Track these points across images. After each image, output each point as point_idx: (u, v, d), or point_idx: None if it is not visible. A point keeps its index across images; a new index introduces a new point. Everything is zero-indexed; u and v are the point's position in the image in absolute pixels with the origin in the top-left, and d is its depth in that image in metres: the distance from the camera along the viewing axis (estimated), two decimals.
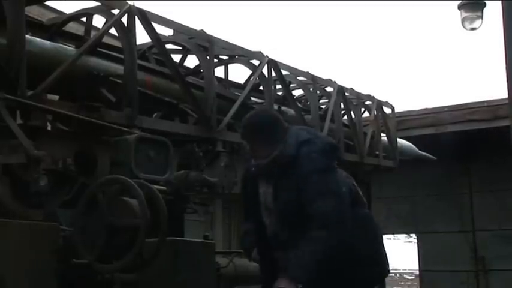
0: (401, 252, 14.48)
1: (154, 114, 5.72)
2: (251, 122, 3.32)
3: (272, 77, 6.64)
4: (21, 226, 3.60)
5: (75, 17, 5.41)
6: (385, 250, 3.41)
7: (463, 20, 7.40)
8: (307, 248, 3.05)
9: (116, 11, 4.96)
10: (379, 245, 3.39)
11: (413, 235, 14.29)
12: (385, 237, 14.09)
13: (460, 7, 7.39)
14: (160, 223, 3.75)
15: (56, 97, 4.86)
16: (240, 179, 4.07)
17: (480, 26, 7.42)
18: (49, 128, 4.39)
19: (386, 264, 3.40)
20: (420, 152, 10.18)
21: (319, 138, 3.29)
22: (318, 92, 7.87)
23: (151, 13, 5.24)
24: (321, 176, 3.13)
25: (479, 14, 7.34)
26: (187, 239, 4.86)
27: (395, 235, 14.41)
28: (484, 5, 7.31)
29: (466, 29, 7.44)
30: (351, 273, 3.18)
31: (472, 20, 7.39)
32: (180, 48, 6.34)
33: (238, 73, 7.11)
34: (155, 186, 4.04)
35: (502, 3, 3.47)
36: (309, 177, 3.11)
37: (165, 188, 4.45)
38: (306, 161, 3.15)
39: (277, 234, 3.25)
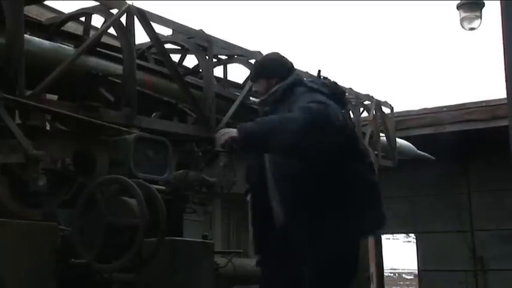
0: (400, 252, 14.49)
1: (153, 114, 5.72)
2: (253, 64, 3.52)
3: None
4: (20, 226, 3.60)
5: (74, 16, 5.41)
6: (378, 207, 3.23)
7: (462, 20, 7.41)
8: (275, 116, 3.05)
9: (114, 11, 4.95)
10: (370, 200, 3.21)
11: (412, 235, 14.29)
12: (384, 237, 14.17)
13: (458, 7, 7.40)
14: (159, 223, 3.75)
15: (55, 97, 4.86)
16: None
17: (479, 26, 7.43)
18: (48, 127, 4.40)
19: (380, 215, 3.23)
20: (419, 151, 10.18)
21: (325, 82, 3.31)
22: None
23: (150, 13, 5.24)
24: (310, 95, 3.14)
25: (478, 14, 7.35)
26: (186, 239, 4.86)
27: (394, 235, 14.41)
28: (483, 5, 7.32)
29: (465, 29, 7.45)
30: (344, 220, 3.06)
31: (471, 20, 7.40)
32: (179, 48, 6.34)
33: (237, 73, 7.11)
34: (154, 186, 4.05)
35: (501, 3, 3.47)
36: (298, 100, 3.13)
37: (164, 187, 4.45)
38: (299, 95, 3.20)
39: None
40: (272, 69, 3.38)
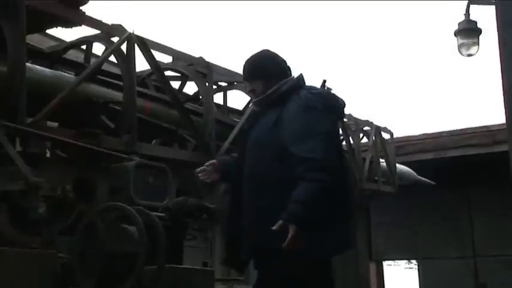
0: (402, 279, 14.38)
1: (154, 141, 5.73)
2: (248, 60, 3.29)
3: None
4: (19, 254, 3.59)
5: (75, 44, 5.45)
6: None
7: (460, 47, 7.45)
8: (306, 188, 2.83)
9: (115, 39, 5.00)
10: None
11: (414, 261, 14.20)
12: (385, 263, 14.09)
13: (456, 33, 7.45)
14: (159, 250, 3.73)
15: (56, 124, 4.87)
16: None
17: (477, 52, 7.47)
18: (48, 154, 4.40)
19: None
20: (419, 177, 10.17)
21: (323, 91, 3.20)
22: None
23: (151, 40, 5.28)
24: (312, 114, 2.98)
25: (475, 40, 7.40)
26: (187, 266, 4.84)
27: (396, 261, 14.32)
28: (480, 31, 7.37)
29: (463, 55, 7.50)
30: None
31: (469, 46, 7.45)
32: (179, 75, 6.38)
33: (237, 99, 7.14)
34: (154, 212, 4.04)
35: (498, 29, 3.50)
36: (297, 115, 2.99)
37: (164, 214, 4.44)
38: (299, 99, 3.05)
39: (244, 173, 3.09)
40: (272, 69, 3.22)
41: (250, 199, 3.07)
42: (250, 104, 6.70)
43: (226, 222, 3.31)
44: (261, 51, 3.33)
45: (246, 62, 3.30)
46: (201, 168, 3.23)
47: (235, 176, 3.20)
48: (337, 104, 3.22)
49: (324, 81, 3.28)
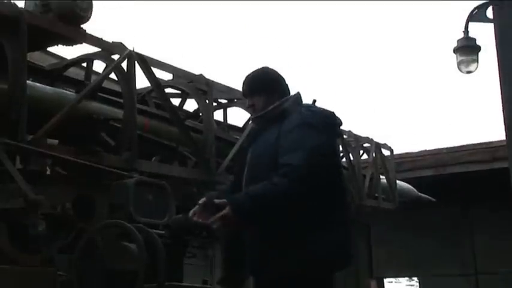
0: None
1: (154, 158, 5.73)
2: (249, 75, 3.27)
3: None
4: (19, 272, 3.58)
5: (76, 62, 5.48)
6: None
7: (459, 64, 7.47)
8: (263, 186, 2.81)
9: (116, 56, 5.02)
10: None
11: (415, 278, 14.14)
12: (386, 280, 14.04)
13: (455, 50, 7.48)
14: (159, 268, 3.72)
15: (56, 141, 4.88)
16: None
17: (476, 69, 7.49)
18: (48, 172, 4.40)
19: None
20: (419, 193, 10.16)
21: (323, 110, 3.17)
22: None
23: (151, 58, 5.31)
24: (305, 130, 2.95)
25: (474, 57, 7.42)
26: (186, 284, 4.81)
27: (397, 278, 14.26)
28: (479, 48, 7.40)
29: (462, 72, 7.51)
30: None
31: (468, 63, 7.46)
32: (179, 92, 6.39)
33: (237, 116, 7.16)
34: (154, 230, 4.03)
35: (496, 48, 3.53)
36: (292, 130, 2.96)
37: (163, 232, 4.43)
38: (297, 116, 3.02)
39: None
40: (273, 85, 3.21)
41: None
42: (250, 121, 6.72)
43: (225, 241, 3.30)
44: (262, 68, 3.33)
45: (246, 78, 3.31)
46: (194, 210, 3.21)
47: None
48: (335, 122, 3.23)
49: (314, 101, 3.29)
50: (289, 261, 2.90)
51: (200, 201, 3.07)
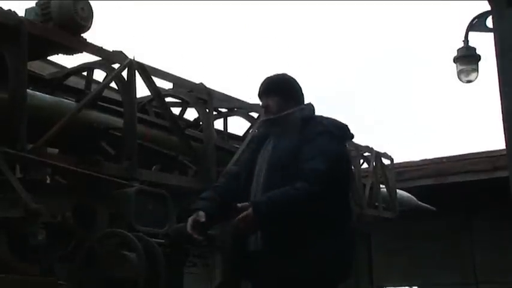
0: None
1: (154, 167, 5.73)
2: (267, 78, 3.28)
3: None
4: (19, 281, 3.56)
5: (76, 71, 5.48)
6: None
7: (459, 73, 7.49)
8: (285, 191, 2.87)
9: (116, 65, 5.02)
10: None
11: (415, 287, 14.10)
12: None
13: (455, 60, 7.50)
14: (159, 277, 3.71)
15: (56, 150, 4.88)
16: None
17: (476, 78, 7.51)
18: (48, 181, 4.40)
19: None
20: (420, 202, 10.15)
21: (340, 121, 3.21)
22: None
23: (151, 67, 5.31)
24: (327, 138, 3.01)
25: (474, 66, 7.44)
26: None
27: (397, 287, 14.22)
28: (479, 58, 7.42)
29: (462, 81, 7.53)
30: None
31: (468, 72, 7.49)
32: (180, 101, 6.40)
33: (238, 125, 7.16)
34: (154, 239, 4.03)
35: (496, 57, 3.53)
36: (315, 138, 3.01)
37: (164, 241, 4.42)
38: (317, 124, 3.09)
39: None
40: (292, 90, 3.24)
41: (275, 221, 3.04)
42: (251, 130, 6.73)
43: (228, 245, 3.28)
44: (283, 73, 3.35)
45: (266, 78, 3.30)
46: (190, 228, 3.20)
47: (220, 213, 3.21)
48: (349, 134, 3.27)
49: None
50: (290, 265, 2.91)
51: (191, 218, 3.09)
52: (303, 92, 3.31)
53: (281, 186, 2.95)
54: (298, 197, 2.87)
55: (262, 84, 3.28)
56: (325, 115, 3.24)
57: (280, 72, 3.34)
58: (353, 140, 3.39)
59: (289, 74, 3.36)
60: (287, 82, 3.28)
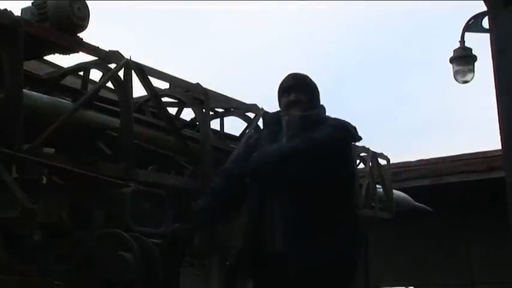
0: None
1: (150, 167, 5.72)
2: (298, 74, 3.32)
3: None
4: (15, 282, 3.55)
5: (73, 71, 5.47)
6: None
7: (455, 73, 7.52)
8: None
9: (112, 65, 5.02)
10: None
11: None
12: None
13: (451, 60, 7.52)
14: (156, 277, 3.71)
15: (52, 150, 4.87)
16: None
17: (472, 79, 7.54)
18: (45, 181, 4.39)
19: None
20: (416, 203, 10.16)
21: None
22: None
23: (148, 67, 5.31)
24: (342, 130, 3.12)
25: (470, 67, 7.47)
26: None
27: None
28: (475, 58, 7.45)
29: (459, 82, 7.56)
30: None
31: (464, 73, 7.52)
32: (176, 101, 6.40)
33: (234, 126, 7.16)
34: (151, 239, 4.02)
35: (492, 57, 3.54)
36: (327, 127, 3.11)
37: (160, 241, 4.42)
38: (331, 119, 3.19)
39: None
40: (317, 92, 3.32)
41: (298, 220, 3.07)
42: (247, 129, 6.73)
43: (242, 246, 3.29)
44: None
45: (297, 74, 3.32)
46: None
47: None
48: (358, 136, 3.33)
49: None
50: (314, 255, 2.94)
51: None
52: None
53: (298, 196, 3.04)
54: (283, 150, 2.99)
55: (294, 79, 3.27)
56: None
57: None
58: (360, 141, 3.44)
59: None
60: (314, 84, 3.35)
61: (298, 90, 3.23)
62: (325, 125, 3.12)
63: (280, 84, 3.32)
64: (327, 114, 3.33)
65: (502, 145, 3.54)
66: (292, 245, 2.98)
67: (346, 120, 3.26)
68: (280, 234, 3.02)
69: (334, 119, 3.23)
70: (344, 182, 3.16)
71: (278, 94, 3.33)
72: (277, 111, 3.36)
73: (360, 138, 3.31)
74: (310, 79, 3.32)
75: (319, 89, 3.32)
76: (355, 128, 3.23)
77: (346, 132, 3.17)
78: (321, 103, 3.32)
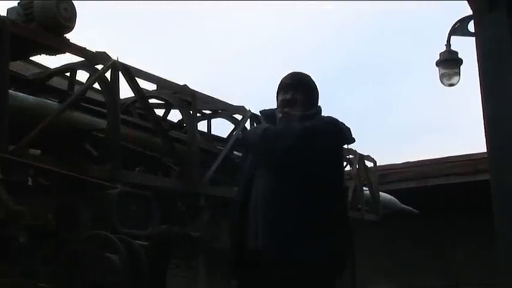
0: None
1: (137, 169, 5.71)
2: (298, 73, 3.28)
3: None
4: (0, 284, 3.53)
5: (59, 71, 5.45)
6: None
7: (441, 77, 7.57)
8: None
9: (99, 66, 5.00)
10: None
11: None
12: None
13: (437, 64, 7.57)
14: (142, 279, 3.70)
15: (38, 151, 4.84)
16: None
17: (458, 82, 7.59)
18: (30, 182, 4.37)
19: None
20: (403, 205, 10.20)
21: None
22: None
23: (135, 68, 5.30)
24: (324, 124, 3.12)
25: (456, 70, 7.53)
26: None
27: None
28: (461, 61, 7.51)
29: (445, 85, 7.61)
30: None
31: (450, 76, 7.57)
32: (164, 102, 6.39)
33: (221, 127, 7.16)
34: (137, 241, 4.01)
35: (478, 60, 3.56)
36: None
37: (147, 243, 4.41)
38: (325, 118, 3.18)
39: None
40: (315, 92, 3.28)
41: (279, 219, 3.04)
42: (235, 131, 6.73)
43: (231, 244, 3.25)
44: (307, 73, 3.36)
45: (296, 73, 3.27)
46: None
47: None
48: (351, 137, 3.34)
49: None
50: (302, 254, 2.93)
51: None
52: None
53: (283, 186, 2.99)
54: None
55: (293, 77, 3.23)
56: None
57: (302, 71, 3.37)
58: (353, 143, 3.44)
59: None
60: (313, 83, 3.29)
61: (296, 89, 3.20)
62: (320, 120, 3.13)
63: (280, 81, 3.31)
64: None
65: (487, 148, 3.56)
66: (275, 243, 2.97)
67: (341, 121, 3.26)
68: (263, 233, 3.00)
69: (329, 117, 3.22)
70: (333, 179, 3.15)
71: (277, 90, 3.32)
72: (273, 109, 3.34)
73: (353, 140, 3.30)
74: (310, 79, 3.28)
75: (319, 91, 3.30)
76: (349, 129, 3.23)
77: (340, 130, 3.18)
78: (319, 105, 3.31)
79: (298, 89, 3.20)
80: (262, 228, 3.00)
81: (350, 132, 3.22)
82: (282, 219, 2.97)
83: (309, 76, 3.31)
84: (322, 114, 3.28)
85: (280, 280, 2.97)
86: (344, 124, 3.21)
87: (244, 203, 3.12)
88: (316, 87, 3.29)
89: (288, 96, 3.20)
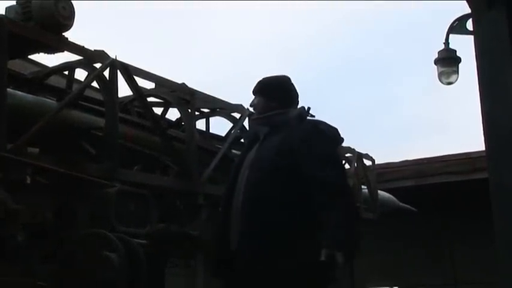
0: None
1: (135, 167, 5.71)
2: (269, 77, 3.37)
3: None
4: None
5: (57, 70, 5.44)
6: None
7: (440, 75, 7.59)
8: (337, 212, 2.90)
9: (98, 65, 5.00)
10: None
11: None
12: None
13: (436, 62, 7.58)
14: (140, 278, 3.70)
15: (37, 150, 4.84)
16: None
17: (456, 80, 7.60)
18: (29, 181, 4.36)
19: None
20: (401, 204, 10.21)
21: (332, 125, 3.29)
22: None
23: (134, 67, 5.29)
24: (328, 142, 3.12)
25: (455, 69, 7.54)
26: None
27: None
28: (460, 60, 7.52)
29: (443, 83, 7.62)
30: None
31: (449, 74, 7.59)
32: (162, 101, 6.38)
33: (220, 126, 7.16)
34: (135, 239, 4.01)
35: (476, 59, 3.57)
36: (310, 138, 3.08)
37: (145, 241, 4.41)
38: (309, 124, 3.18)
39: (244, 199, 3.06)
40: (275, 91, 3.30)
41: (253, 220, 3.04)
42: (233, 130, 6.74)
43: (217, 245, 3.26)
44: (277, 75, 3.42)
45: (264, 78, 3.41)
46: None
47: None
48: (341, 139, 3.35)
49: (309, 108, 3.35)
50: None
51: None
52: (295, 95, 3.36)
53: (261, 184, 3.00)
54: (352, 213, 3.09)
55: (257, 83, 3.40)
56: (309, 112, 3.32)
57: (278, 74, 3.41)
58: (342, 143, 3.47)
59: (285, 75, 3.41)
60: (272, 83, 3.35)
61: (255, 94, 3.35)
62: (311, 135, 3.10)
63: None
64: (310, 115, 3.34)
65: (485, 146, 3.57)
66: (254, 243, 2.98)
67: (326, 122, 3.27)
68: (244, 234, 3.02)
69: (314, 122, 3.22)
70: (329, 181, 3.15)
71: None
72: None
73: (342, 140, 3.35)
74: (275, 82, 3.34)
75: (290, 91, 3.32)
76: (336, 129, 3.25)
77: (335, 144, 3.24)
78: (297, 103, 3.32)
79: (257, 94, 3.34)
80: (242, 227, 3.02)
81: (338, 133, 3.26)
82: (263, 221, 2.98)
83: (274, 79, 3.37)
84: (320, 115, 3.32)
85: (259, 280, 2.99)
86: (331, 126, 3.24)
87: (229, 196, 3.15)
88: (282, 88, 3.32)
89: (252, 102, 3.37)
